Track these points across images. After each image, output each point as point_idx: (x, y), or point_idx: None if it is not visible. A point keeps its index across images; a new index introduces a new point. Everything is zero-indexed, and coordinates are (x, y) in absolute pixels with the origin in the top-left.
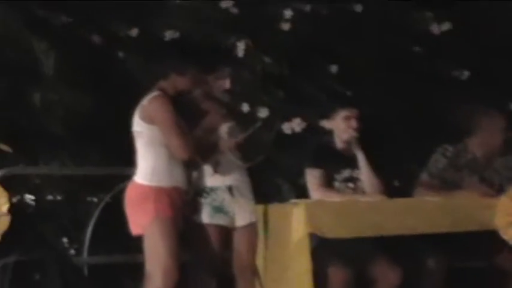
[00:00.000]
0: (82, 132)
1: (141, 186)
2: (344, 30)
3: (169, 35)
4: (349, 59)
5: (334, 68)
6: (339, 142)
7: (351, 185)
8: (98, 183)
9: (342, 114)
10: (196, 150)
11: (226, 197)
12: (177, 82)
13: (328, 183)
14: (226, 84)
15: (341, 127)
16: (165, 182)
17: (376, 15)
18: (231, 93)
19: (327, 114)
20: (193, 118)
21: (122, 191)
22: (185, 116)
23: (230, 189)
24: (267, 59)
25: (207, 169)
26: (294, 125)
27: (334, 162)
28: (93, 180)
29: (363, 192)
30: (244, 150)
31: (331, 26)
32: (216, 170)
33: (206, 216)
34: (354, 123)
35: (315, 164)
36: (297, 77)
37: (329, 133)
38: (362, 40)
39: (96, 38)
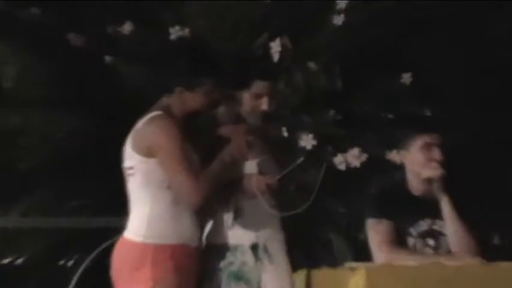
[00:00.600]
0: (54, 168)
1: (134, 244)
2: (419, 26)
3: (175, 32)
4: (427, 65)
5: (406, 78)
6: (415, 182)
7: (431, 242)
8: (76, 240)
9: (419, 142)
10: (211, 193)
11: (248, 259)
12: (187, 99)
13: (399, 239)
14: (263, 104)
15: (418, 160)
16: (167, 238)
17: (461, 9)
18: (265, 115)
19: (398, 143)
20: (209, 148)
21: (107, 252)
22: (198, 145)
23: (255, 248)
24: (312, 66)
25: (226, 219)
26: (351, 158)
27: (407, 210)
28: (68, 237)
29: (449, 253)
30: (281, 194)
31: (401, 21)
32: (237, 219)
33: (222, 285)
34: (437, 154)
35: (380, 213)
36: (354, 90)
37: (400, 169)
38: (444, 40)
39: (74, 37)
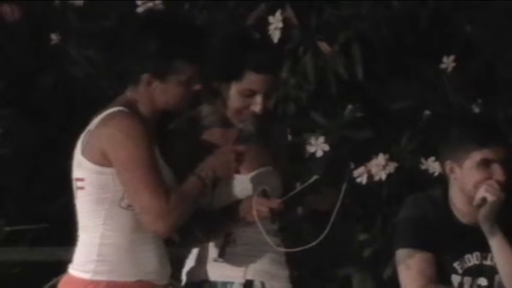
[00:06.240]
0: None
1: (81, 282)
2: None
3: (143, 3)
4: (478, 46)
5: (448, 63)
6: (463, 204)
7: (482, 281)
8: (6, 278)
9: (475, 156)
10: (185, 219)
11: None
12: (157, 91)
13: (440, 276)
14: (256, 105)
15: (472, 180)
16: (122, 274)
17: None
18: (261, 117)
19: (443, 155)
20: (187, 160)
21: None
22: (172, 155)
23: (248, 287)
24: (324, 47)
25: (212, 250)
26: (375, 169)
27: (450, 240)
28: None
29: None
30: (287, 221)
31: None
32: (226, 250)
33: None
34: (499, 173)
35: (415, 242)
36: (380, 80)
37: (442, 188)
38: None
39: (9, 9)
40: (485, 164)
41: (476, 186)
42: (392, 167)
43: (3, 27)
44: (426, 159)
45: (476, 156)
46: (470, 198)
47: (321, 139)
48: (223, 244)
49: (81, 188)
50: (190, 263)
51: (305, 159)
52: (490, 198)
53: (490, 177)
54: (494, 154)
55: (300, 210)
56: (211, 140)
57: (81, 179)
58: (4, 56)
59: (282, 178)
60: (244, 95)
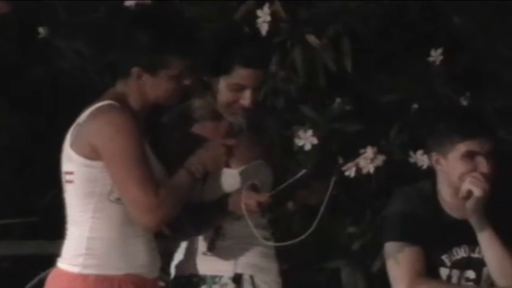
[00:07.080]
0: None
1: (69, 276)
2: None
3: None
4: (465, 39)
5: (436, 56)
6: (450, 197)
7: (470, 274)
8: (3, 271)
9: (460, 148)
10: (174, 213)
11: None
12: (147, 85)
13: (428, 269)
14: (246, 100)
15: (456, 172)
16: (112, 267)
17: None
18: (252, 111)
19: (429, 147)
20: (178, 154)
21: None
22: (162, 149)
23: (238, 280)
24: (313, 40)
25: (201, 243)
26: (363, 162)
27: (438, 233)
28: None
29: (491, 287)
30: (275, 215)
31: None
32: (215, 243)
33: None
34: (483, 166)
35: (403, 235)
36: (368, 73)
37: (430, 180)
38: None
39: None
40: (469, 156)
41: (461, 179)
42: (380, 160)
43: None
44: (415, 152)
45: (461, 148)
46: (456, 190)
47: (310, 132)
48: (213, 238)
49: (70, 181)
50: (179, 256)
51: (294, 153)
52: (476, 190)
53: (474, 170)
54: (479, 146)
55: (290, 204)
56: (202, 133)
57: (70, 173)
58: None
59: (274, 172)
60: (233, 89)
